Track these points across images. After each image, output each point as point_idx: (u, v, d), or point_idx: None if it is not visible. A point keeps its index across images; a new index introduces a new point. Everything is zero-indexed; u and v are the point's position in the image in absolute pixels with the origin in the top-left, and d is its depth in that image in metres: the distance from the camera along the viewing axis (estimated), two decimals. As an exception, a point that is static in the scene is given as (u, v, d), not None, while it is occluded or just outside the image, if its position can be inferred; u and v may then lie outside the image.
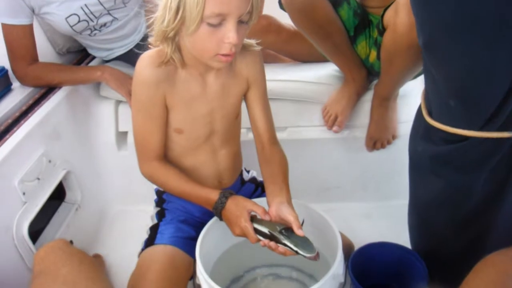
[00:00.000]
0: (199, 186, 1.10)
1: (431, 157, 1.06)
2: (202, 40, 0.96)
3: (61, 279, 0.82)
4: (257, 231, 0.98)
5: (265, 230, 0.97)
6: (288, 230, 0.96)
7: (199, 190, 1.09)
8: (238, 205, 1.03)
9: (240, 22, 0.95)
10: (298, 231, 0.95)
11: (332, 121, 1.58)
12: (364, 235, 1.35)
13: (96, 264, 0.92)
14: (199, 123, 1.13)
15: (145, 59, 1.05)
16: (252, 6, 0.95)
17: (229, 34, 0.94)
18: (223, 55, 0.98)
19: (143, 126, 1.10)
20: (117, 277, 1.47)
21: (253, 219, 1.01)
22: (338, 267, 1.00)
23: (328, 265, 1.07)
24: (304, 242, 0.93)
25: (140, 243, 1.22)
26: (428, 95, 1.06)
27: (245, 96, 1.18)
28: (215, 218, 1.11)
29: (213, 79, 1.10)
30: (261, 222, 0.99)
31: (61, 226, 1.46)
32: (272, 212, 1.02)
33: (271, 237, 0.96)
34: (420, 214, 1.22)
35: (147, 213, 1.34)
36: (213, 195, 1.06)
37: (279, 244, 0.95)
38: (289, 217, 0.98)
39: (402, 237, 1.30)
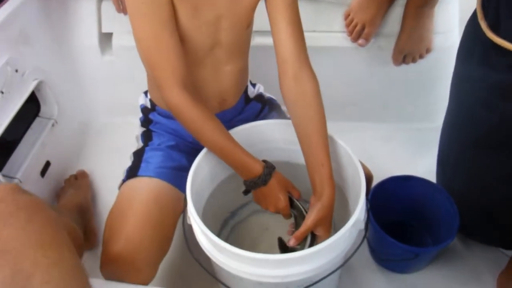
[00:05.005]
0: (241, 149, 0.96)
1: (489, 87, 0.89)
2: None
3: None
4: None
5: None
6: None
7: (241, 154, 0.95)
8: (280, 183, 0.97)
9: None
10: (290, 242, 0.93)
11: (358, 33, 1.38)
12: (382, 162, 1.31)
13: (55, 221, 0.69)
14: (202, 32, 0.96)
15: None
16: None
17: None
18: None
19: (155, 37, 0.89)
20: (104, 198, 1.43)
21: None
22: (360, 213, 0.90)
23: (346, 202, 1.03)
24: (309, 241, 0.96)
25: (128, 157, 1.12)
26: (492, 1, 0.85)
27: (265, 2, 0.97)
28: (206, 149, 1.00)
29: None
30: (292, 203, 1.00)
31: (34, 145, 1.32)
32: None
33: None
34: (458, 151, 1.09)
35: (135, 126, 1.22)
36: (258, 166, 0.95)
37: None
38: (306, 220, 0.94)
39: (425, 166, 1.24)
